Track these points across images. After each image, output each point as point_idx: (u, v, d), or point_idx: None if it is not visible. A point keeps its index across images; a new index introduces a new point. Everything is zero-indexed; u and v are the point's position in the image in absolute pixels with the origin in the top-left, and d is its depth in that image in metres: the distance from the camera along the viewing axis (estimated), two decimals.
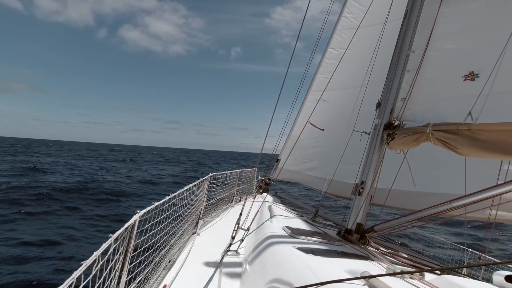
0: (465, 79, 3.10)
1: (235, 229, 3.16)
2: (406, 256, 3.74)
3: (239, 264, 2.95)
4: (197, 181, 3.10)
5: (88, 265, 1.17)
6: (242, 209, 3.45)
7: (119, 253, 1.50)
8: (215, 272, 2.67)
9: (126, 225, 1.63)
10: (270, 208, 4.85)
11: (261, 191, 6.80)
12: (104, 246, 1.33)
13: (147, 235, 1.99)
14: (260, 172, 7.23)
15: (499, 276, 2.27)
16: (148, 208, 1.95)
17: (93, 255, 1.22)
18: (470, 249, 4.29)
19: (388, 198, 4.17)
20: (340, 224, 4.07)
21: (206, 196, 3.69)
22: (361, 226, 3.64)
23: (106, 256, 1.32)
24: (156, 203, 2.08)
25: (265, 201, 5.69)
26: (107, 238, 1.37)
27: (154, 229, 2.08)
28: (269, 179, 7.01)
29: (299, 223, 4.02)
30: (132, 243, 1.74)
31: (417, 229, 5.10)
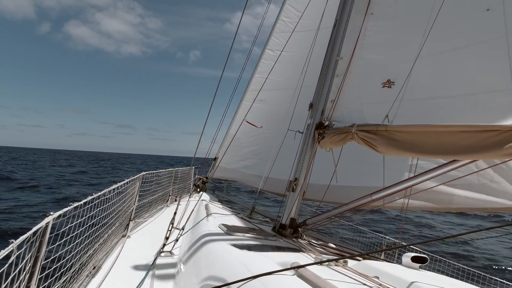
0: (383, 86, 3.47)
1: (169, 228, 3.05)
2: (334, 246, 4.04)
3: (173, 265, 2.85)
4: (126, 180, 2.89)
5: None
6: (177, 208, 3.34)
7: (25, 261, 1.31)
8: (146, 275, 2.54)
9: (34, 228, 1.43)
10: (206, 207, 4.79)
11: (198, 190, 6.69)
12: (3, 253, 1.14)
13: (63, 240, 1.79)
14: (198, 171, 7.10)
15: (406, 257, 2.60)
16: (65, 210, 1.74)
17: None
18: (387, 237, 4.83)
19: (319, 193, 4.45)
20: (275, 219, 4.22)
21: (137, 196, 3.47)
22: (295, 221, 3.82)
23: (5, 266, 1.13)
24: (76, 204, 1.88)
25: (202, 200, 5.60)
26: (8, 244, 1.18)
27: (73, 233, 1.88)
28: (206, 178, 6.92)
29: (235, 221, 4.05)
30: (44, 249, 1.54)
31: (345, 221, 5.56)
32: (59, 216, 1.67)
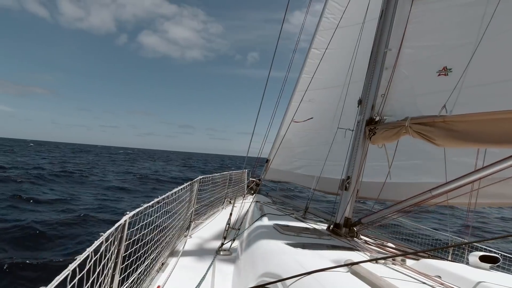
0: (439, 74, 3.26)
1: (226, 229, 3.23)
2: (393, 245, 3.88)
3: (231, 263, 3.02)
4: (185, 184, 3.15)
5: (81, 259, 1.22)
6: (232, 209, 3.52)
7: (110, 252, 1.55)
8: (207, 271, 2.73)
9: (116, 225, 1.68)
10: (261, 208, 4.93)
11: (252, 191, 6.88)
12: (96, 243, 1.38)
13: (137, 236, 2.04)
14: (250, 173, 7.31)
15: (474, 256, 2.40)
16: (138, 210, 2.00)
17: (86, 251, 1.27)
18: (454, 236, 4.46)
19: (374, 191, 4.30)
20: (329, 219, 4.18)
21: (196, 198, 3.74)
22: (349, 219, 3.76)
23: (98, 254, 1.37)
24: (145, 205, 2.13)
25: (256, 201, 5.77)
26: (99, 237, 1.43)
27: (145, 230, 2.13)
28: (259, 180, 7.09)
29: (289, 221, 4.12)
30: (123, 243, 1.79)
31: (404, 219, 5.26)
32: (134, 215, 1.93)
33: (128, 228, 1.89)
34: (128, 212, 1.84)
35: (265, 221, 3.80)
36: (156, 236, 2.35)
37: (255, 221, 4.00)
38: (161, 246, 2.48)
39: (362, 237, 3.92)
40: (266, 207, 5.19)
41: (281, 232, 3.25)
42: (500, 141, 2.50)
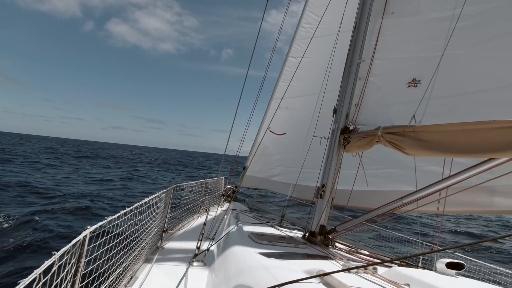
0: (409, 86, 3.37)
1: (200, 239, 3.15)
2: (367, 253, 3.93)
3: (204, 274, 2.94)
4: (157, 193, 3.04)
5: (26, 283, 1.11)
6: (206, 218, 3.44)
7: (65, 271, 1.44)
8: (179, 283, 2.64)
9: (74, 241, 1.57)
10: (236, 216, 4.87)
11: (229, 199, 6.80)
12: (46, 264, 1.28)
13: (101, 251, 1.93)
14: (227, 181, 7.24)
15: (441, 263, 2.48)
16: (100, 223, 1.89)
17: (33, 273, 1.16)
18: (425, 242, 4.59)
19: (349, 199, 4.36)
20: (305, 226, 4.19)
21: (169, 207, 3.63)
22: (324, 227, 3.78)
23: (49, 275, 1.26)
24: (110, 218, 2.03)
25: (233, 209, 5.70)
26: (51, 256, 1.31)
27: (109, 245, 2.02)
28: (236, 187, 7.03)
29: (265, 229, 4.08)
30: (83, 260, 1.68)
31: (378, 226, 5.36)
32: (96, 229, 1.81)
33: (93, 242, 1.78)
34: (89, 227, 1.73)
35: (241, 230, 3.75)
36: (123, 250, 2.23)
37: (231, 229, 3.93)
38: (129, 259, 2.36)
39: (337, 244, 3.94)
40: (243, 215, 5.13)
41: (256, 241, 3.21)
42: (465, 151, 2.60)
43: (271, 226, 4.46)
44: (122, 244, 2.20)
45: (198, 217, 4.93)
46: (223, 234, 3.79)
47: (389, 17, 3.62)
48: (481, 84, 3.00)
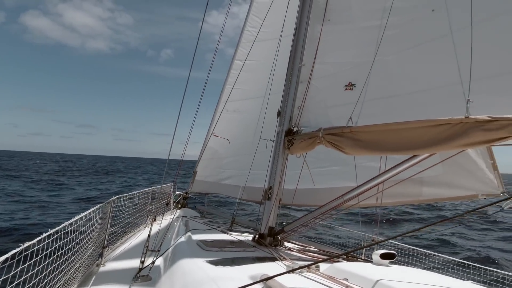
0: (346, 89, 3.58)
1: (144, 252, 2.99)
2: (315, 249, 4.08)
3: None
4: (94, 208, 2.82)
5: None
6: (151, 229, 3.28)
7: None
8: None
9: None
10: (186, 223, 4.74)
11: (179, 206, 6.60)
12: None
13: (29, 274, 1.72)
14: (175, 186, 7.02)
15: (375, 255, 2.67)
16: (22, 247, 1.68)
17: None
18: (367, 234, 4.91)
19: (296, 197, 4.50)
20: (255, 229, 4.22)
21: (110, 222, 3.38)
22: (273, 229, 3.84)
23: None
24: (39, 238, 1.82)
25: (182, 216, 5.53)
26: None
27: (38, 266, 1.81)
28: (186, 193, 6.85)
29: (215, 235, 4.03)
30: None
31: (326, 223, 5.61)
32: (29, 246, 1.61)
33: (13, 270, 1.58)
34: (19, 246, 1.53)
35: (189, 238, 3.65)
36: (53, 273, 2.02)
37: (179, 238, 3.81)
38: (58, 286, 2.14)
39: (287, 244, 4.03)
40: (193, 222, 5.01)
41: (205, 248, 3.15)
42: (394, 149, 2.83)
43: (222, 231, 4.41)
44: (52, 266, 1.99)
45: (144, 227, 4.70)
46: (171, 244, 3.65)
47: (326, 23, 3.81)
48: (409, 86, 3.29)
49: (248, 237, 4.12)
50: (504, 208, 2.88)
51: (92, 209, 2.75)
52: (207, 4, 4.69)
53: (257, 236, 3.83)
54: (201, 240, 3.40)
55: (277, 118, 3.97)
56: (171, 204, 6.27)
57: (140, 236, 4.28)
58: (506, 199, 2.62)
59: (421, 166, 3.34)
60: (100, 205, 2.99)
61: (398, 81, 3.38)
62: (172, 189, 6.60)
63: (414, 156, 3.07)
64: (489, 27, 2.83)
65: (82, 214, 2.49)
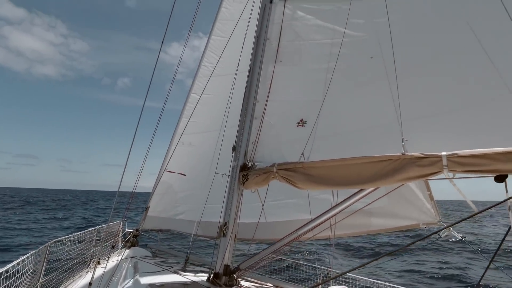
0: (298, 125, 3.75)
1: None
2: (272, 286, 3.99)
3: None
4: (24, 256, 2.49)
5: None
6: (93, 276, 2.98)
7: None
8: None
9: None
10: (135, 265, 4.40)
11: (128, 244, 6.12)
12: None
13: None
14: (125, 222, 6.55)
15: None
16: None
17: None
18: (323, 267, 4.95)
19: (252, 232, 4.44)
20: (211, 267, 4.04)
21: (43, 271, 3.00)
22: (229, 267, 3.71)
23: None
24: None
25: (132, 257, 5.14)
26: None
27: None
28: (137, 230, 6.41)
29: (167, 277, 3.78)
30: None
31: (284, 257, 5.56)
32: None
33: None
34: None
35: (137, 283, 3.38)
36: None
37: (127, 283, 3.51)
38: None
39: (243, 283, 3.90)
40: (143, 263, 4.66)
41: None
42: (343, 184, 2.97)
43: (175, 271, 4.16)
44: None
45: (87, 272, 4.26)
46: None
47: (279, 64, 4.04)
48: (354, 124, 3.54)
49: (202, 277, 3.93)
50: (442, 236, 3.12)
51: (22, 258, 2.43)
52: (163, 39, 4.75)
53: (211, 276, 3.66)
54: (150, 285, 3.16)
55: (232, 152, 3.99)
56: (119, 243, 5.80)
57: (81, 282, 3.86)
58: (441, 229, 2.84)
59: (370, 198, 3.53)
60: (30, 253, 2.65)
61: (344, 119, 3.63)
62: (121, 226, 6.15)
63: (362, 189, 3.25)
64: (418, 74, 3.22)
65: (8, 266, 2.18)
